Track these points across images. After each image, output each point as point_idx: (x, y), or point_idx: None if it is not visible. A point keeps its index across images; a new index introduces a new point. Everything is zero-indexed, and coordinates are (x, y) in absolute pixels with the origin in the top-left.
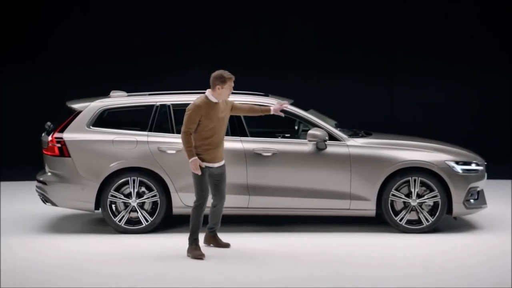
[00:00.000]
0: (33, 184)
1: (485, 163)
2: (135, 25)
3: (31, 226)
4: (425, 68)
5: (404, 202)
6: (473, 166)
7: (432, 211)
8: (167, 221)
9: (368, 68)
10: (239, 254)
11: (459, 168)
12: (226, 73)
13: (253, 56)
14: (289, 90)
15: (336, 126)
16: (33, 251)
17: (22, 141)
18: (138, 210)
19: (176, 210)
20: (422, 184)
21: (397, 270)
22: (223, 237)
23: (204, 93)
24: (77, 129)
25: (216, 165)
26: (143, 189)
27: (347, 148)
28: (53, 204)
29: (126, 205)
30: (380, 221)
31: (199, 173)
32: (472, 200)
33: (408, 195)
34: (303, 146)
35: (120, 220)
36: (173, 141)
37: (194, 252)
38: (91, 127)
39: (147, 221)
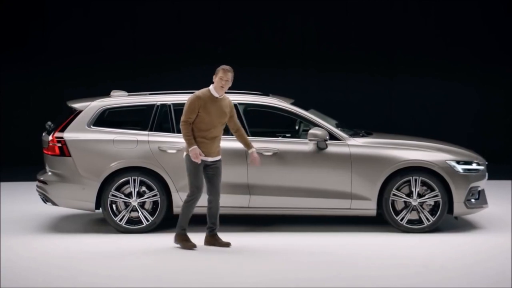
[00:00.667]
0: (33, 185)
1: (486, 162)
2: (136, 25)
3: (32, 226)
4: (426, 68)
5: (405, 202)
6: (474, 166)
7: (433, 211)
8: (167, 220)
9: (368, 68)
10: (240, 253)
11: (460, 168)
12: (222, 66)
13: (254, 56)
14: (290, 89)
15: (337, 126)
16: (34, 251)
17: (22, 142)
18: (138, 210)
19: (176, 209)
20: (423, 183)
21: (398, 270)
22: (224, 236)
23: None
24: (77, 128)
25: (210, 159)
26: (143, 188)
27: (347, 148)
28: (54, 203)
29: (126, 204)
30: (381, 220)
31: (199, 161)
32: (473, 200)
33: (409, 194)
34: (304, 145)
35: (120, 220)
36: (174, 140)
37: (186, 243)
38: (91, 126)
39: (147, 220)
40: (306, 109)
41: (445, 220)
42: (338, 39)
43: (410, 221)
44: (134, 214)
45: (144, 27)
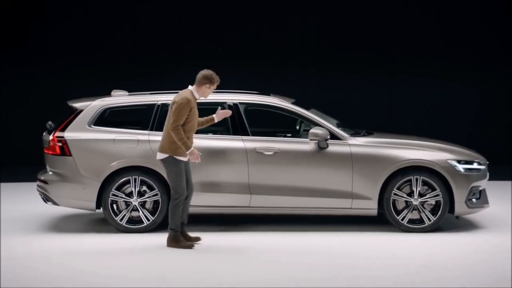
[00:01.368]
0: (33, 185)
1: (487, 162)
2: (136, 25)
3: (32, 226)
4: (426, 68)
5: (406, 201)
6: (475, 165)
7: (434, 210)
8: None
9: (368, 68)
10: (240, 253)
11: (461, 167)
12: (215, 75)
13: (254, 56)
14: (290, 89)
15: (338, 126)
16: (34, 251)
17: (22, 142)
18: (139, 209)
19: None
20: (424, 183)
21: (398, 269)
22: (225, 236)
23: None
24: (78, 128)
25: (186, 159)
26: (144, 188)
27: (348, 147)
28: (54, 203)
29: (127, 204)
30: (382, 220)
31: (199, 160)
32: (474, 200)
33: (410, 194)
34: (305, 145)
35: (121, 219)
36: None
37: (182, 243)
38: (92, 126)
39: (148, 220)
40: (307, 108)
41: (446, 219)
42: (338, 39)
43: (411, 221)
44: (134, 213)
45: (144, 27)
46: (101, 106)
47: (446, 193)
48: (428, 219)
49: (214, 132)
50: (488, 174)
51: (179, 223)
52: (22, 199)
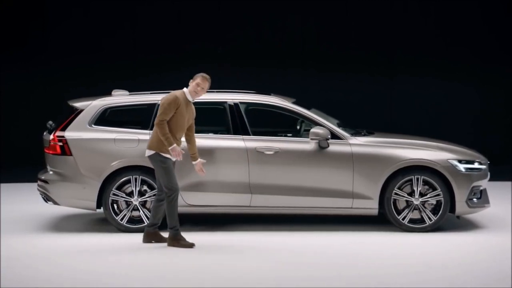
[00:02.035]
0: (34, 186)
1: (488, 162)
2: (136, 25)
3: (32, 225)
4: (426, 68)
5: (407, 201)
6: (476, 165)
7: (434, 210)
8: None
9: (368, 68)
10: (241, 252)
11: (462, 167)
12: (202, 73)
13: (254, 56)
14: (290, 89)
15: (338, 126)
16: (34, 250)
17: (22, 142)
18: (140, 209)
19: (177, 209)
20: (425, 182)
21: (399, 269)
22: (225, 236)
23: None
24: (78, 127)
25: (174, 158)
26: (145, 187)
27: (349, 147)
28: (55, 202)
29: (128, 203)
30: (383, 220)
31: (181, 158)
32: (475, 199)
33: (411, 193)
34: (305, 144)
35: (122, 219)
36: None
37: (182, 242)
38: (92, 125)
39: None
40: (308, 108)
41: (447, 219)
42: (338, 39)
43: (412, 220)
44: (135, 213)
45: (144, 27)
46: (101, 105)
47: (447, 193)
48: (429, 218)
49: (215, 132)
50: (489, 173)
51: (178, 220)
52: (22, 199)
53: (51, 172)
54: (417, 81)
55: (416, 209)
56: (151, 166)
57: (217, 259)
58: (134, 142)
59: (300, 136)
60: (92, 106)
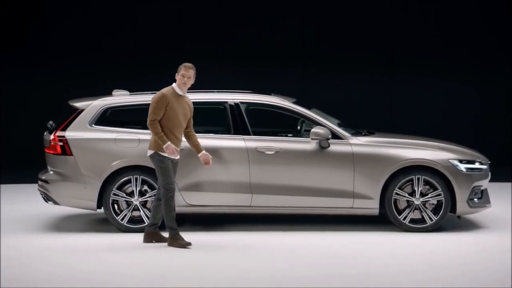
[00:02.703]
0: (34, 187)
1: (489, 162)
2: (136, 25)
3: (33, 225)
4: (426, 68)
5: (408, 201)
6: (477, 165)
7: (435, 210)
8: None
9: (368, 68)
10: (242, 252)
11: (462, 167)
12: (184, 63)
13: (254, 56)
14: (290, 89)
15: (339, 125)
16: (35, 250)
17: (22, 142)
18: (140, 209)
19: (178, 209)
20: (426, 182)
21: (400, 269)
22: (226, 236)
23: (204, 91)
24: (79, 127)
25: (175, 157)
26: (145, 187)
27: (350, 147)
28: (55, 202)
29: (128, 203)
30: (384, 220)
31: (178, 156)
32: (476, 199)
33: (412, 193)
34: (306, 144)
35: (122, 219)
36: None
37: (180, 242)
38: (93, 125)
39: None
40: (308, 108)
41: (448, 219)
42: (338, 39)
43: (412, 220)
44: (136, 213)
45: (144, 27)
46: (102, 105)
47: (447, 193)
48: (430, 218)
49: (215, 132)
50: (489, 174)
51: (174, 220)
52: (23, 200)
53: (51, 172)
54: (417, 81)
55: (417, 209)
56: (152, 166)
57: (217, 259)
58: (135, 142)
59: (301, 136)
60: (92, 106)
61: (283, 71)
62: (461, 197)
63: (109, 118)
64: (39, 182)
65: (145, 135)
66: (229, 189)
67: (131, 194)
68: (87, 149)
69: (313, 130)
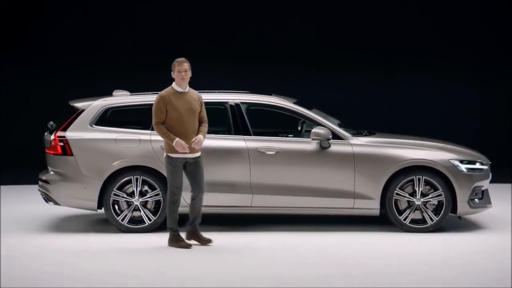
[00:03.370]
0: (34, 188)
1: (490, 162)
2: (136, 25)
3: (33, 226)
4: (426, 68)
5: (408, 201)
6: (477, 165)
7: (436, 210)
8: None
9: (368, 68)
10: (242, 252)
11: (463, 167)
12: (176, 59)
13: (254, 56)
14: (290, 89)
15: (340, 126)
16: (35, 250)
17: (22, 142)
18: (141, 209)
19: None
20: (427, 183)
21: (400, 269)
22: (227, 236)
23: (205, 91)
24: (79, 127)
25: (189, 155)
26: (146, 188)
27: (350, 147)
28: (56, 203)
29: (129, 204)
30: (384, 220)
31: (187, 150)
32: (476, 200)
33: (412, 194)
34: (307, 144)
35: (123, 219)
36: None
37: (180, 243)
38: (93, 125)
39: (150, 220)
40: (309, 108)
41: (449, 220)
42: (338, 39)
43: (413, 221)
44: (136, 213)
45: (144, 27)
46: (102, 106)
47: (448, 193)
48: (431, 219)
49: (216, 132)
50: (490, 174)
51: (176, 222)
52: (23, 200)
53: (52, 172)
54: (417, 81)
55: (418, 210)
56: (152, 166)
57: (218, 259)
58: (135, 142)
59: (302, 137)
60: (93, 106)
61: (283, 71)
62: (462, 197)
63: (109, 118)
64: (40, 183)
65: (146, 135)
66: (229, 190)
67: (131, 194)
68: (88, 149)
69: (313, 130)
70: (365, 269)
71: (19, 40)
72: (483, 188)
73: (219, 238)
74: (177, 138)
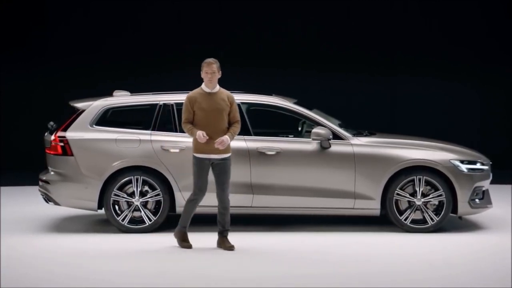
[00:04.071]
0: (34, 189)
1: (490, 162)
2: (136, 25)
3: (33, 226)
4: (426, 68)
5: (409, 201)
6: (478, 166)
7: (437, 211)
8: (170, 220)
9: (368, 68)
10: (242, 253)
11: (464, 167)
12: (206, 59)
13: (254, 55)
14: (290, 90)
15: (340, 126)
16: (35, 250)
17: (22, 142)
18: (141, 209)
19: (179, 209)
20: (427, 183)
21: (401, 269)
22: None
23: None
24: (80, 128)
25: (216, 156)
26: (146, 188)
27: (351, 147)
28: (56, 203)
29: (129, 204)
30: (385, 220)
31: (204, 140)
32: (477, 200)
33: (413, 194)
34: (307, 144)
35: (123, 219)
36: (177, 139)
37: (183, 242)
38: (94, 126)
39: (150, 220)
40: (310, 109)
41: (449, 220)
42: (338, 39)
43: (414, 221)
44: (136, 213)
45: (144, 27)
46: (103, 106)
47: (449, 193)
48: (431, 219)
49: None
50: (491, 174)
51: (188, 222)
52: (23, 201)
53: (52, 173)
54: (418, 81)
55: (418, 210)
56: (152, 167)
57: (218, 259)
58: (136, 142)
59: (302, 137)
60: (93, 106)
61: (283, 71)
62: (462, 197)
63: (110, 118)
64: (40, 183)
65: (146, 135)
66: (230, 190)
67: (132, 194)
68: (88, 150)
69: (314, 130)
70: (365, 269)
71: (19, 40)
72: (483, 188)
73: None
74: (199, 131)
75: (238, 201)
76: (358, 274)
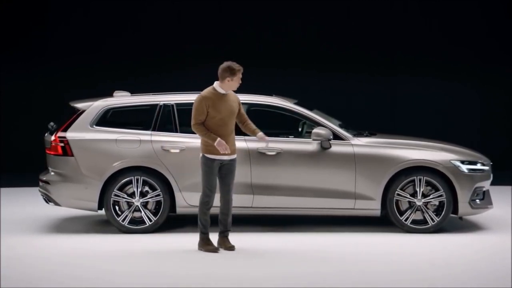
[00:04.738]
0: (34, 190)
1: (491, 163)
2: (136, 25)
3: (33, 226)
4: (426, 68)
5: (409, 202)
6: (478, 166)
7: (437, 211)
8: (170, 220)
9: (368, 68)
10: (243, 253)
11: (464, 168)
12: (235, 65)
13: (254, 55)
14: (290, 90)
15: (340, 126)
16: (35, 251)
17: (22, 142)
18: (141, 210)
19: (179, 209)
20: (428, 183)
21: (401, 269)
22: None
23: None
24: (80, 128)
25: (226, 157)
26: (146, 188)
27: (351, 147)
28: (56, 203)
29: (129, 204)
30: (385, 221)
31: (229, 151)
32: (478, 200)
33: (413, 194)
34: (308, 145)
35: (123, 220)
36: (177, 140)
37: (207, 246)
38: (94, 126)
39: (150, 220)
40: (310, 109)
41: (450, 220)
42: (338, 39)
43: (414, 221)
44: (137, 214)
45: (144, 27)
46: (103, 106)
47: (449, 194)
48: (432, 219)
49: None
50: (492, 175)
51: (207, 225)
52: (24, 202)
53: (52, 173)
54: (418, 81)
55: (419, 210)
56: (153, 167)
57: (218, 260)
58: (136, 142)
59: (302, 137)
60: (93, 107)
61: (283, 71)
62: (463, 198)
63: (110, 119)
64: (40, 183)
65: (146, 136)
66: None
67: (132, 195)
68: (88, 150)
69: (314, 130)
70: (365, 270)
71: (19, 40)
72: (484, 189)
73: None
74: (219, 138)
75: (238, 201)
76: (358, 274)
